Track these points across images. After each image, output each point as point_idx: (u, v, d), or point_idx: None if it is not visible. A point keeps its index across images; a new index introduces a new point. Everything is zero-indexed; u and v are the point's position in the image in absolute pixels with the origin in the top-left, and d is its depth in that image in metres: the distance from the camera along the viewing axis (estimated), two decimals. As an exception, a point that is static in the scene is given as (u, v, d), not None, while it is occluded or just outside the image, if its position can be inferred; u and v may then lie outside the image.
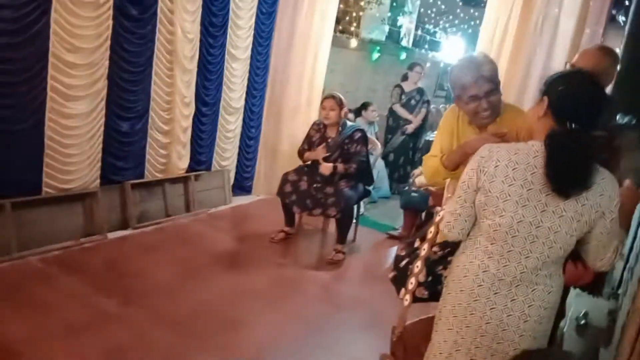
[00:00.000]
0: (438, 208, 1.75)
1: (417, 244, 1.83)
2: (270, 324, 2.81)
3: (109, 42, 3.36)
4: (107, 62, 3.40)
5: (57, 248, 3.28)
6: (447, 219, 1.59)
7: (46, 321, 2.49)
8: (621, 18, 6.73)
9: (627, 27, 5.77)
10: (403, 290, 1.78)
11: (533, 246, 1.46)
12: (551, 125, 1.45)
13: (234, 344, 2.57)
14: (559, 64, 3.66)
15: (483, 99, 1.93)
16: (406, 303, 1.75)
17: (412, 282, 1.74)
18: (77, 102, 3.29)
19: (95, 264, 3.20)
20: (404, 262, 1.89)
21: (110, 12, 3.31)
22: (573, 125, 1.42)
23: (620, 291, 3.07)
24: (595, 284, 2.46)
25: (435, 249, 1.80)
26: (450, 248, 1.71)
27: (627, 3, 5.73)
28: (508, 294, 1.50)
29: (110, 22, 3.33)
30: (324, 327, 2.89)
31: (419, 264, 1.74)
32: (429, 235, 1.73)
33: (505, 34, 3.86)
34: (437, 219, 1.69)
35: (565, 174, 1.40)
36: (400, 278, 1.89)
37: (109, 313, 2.65)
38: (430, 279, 1.87)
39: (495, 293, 1.51)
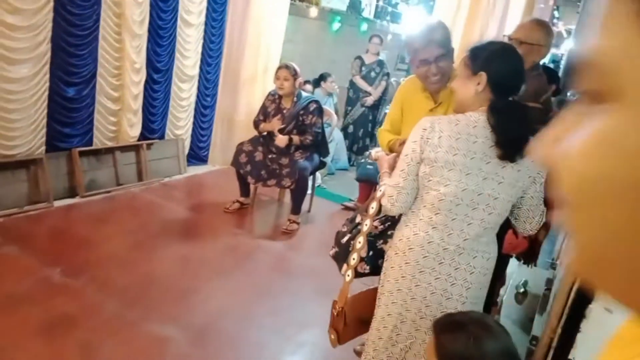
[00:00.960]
0: (380, 183, 1.73)
1: (358, 219, 1.85)
2: (222, 292, 2.84)
3: (52, 3, 3.21)
4: (50, 25, 3.25)
5: (0, 215, 3.17)
6: (390, 193, 1.59)
7: (-14, 291, 2.43)
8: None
9: (580, 7, 5.93)
10: (345, 265, 1.79)
11: (475, 213, 1.53)
12: (488, 97, 1.52)
13: (184, 312, 2.58)
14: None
15: (433, 63, 1.95)
16: (348, 278, 1.76)
17: (354, 258, 1.75)
18: (19, 66, 3.15)
19: (40, 233, 3.13)
20: (345, 238, 1.90)
21: (52, -30, 3.15)
22: (511, 98, 1.53)
23: (558, 262, 3.25)
24: (530, 255, 2.60)
25: (375, 223, 1.84)
26: (390, 222, 1.75)
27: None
28: (452, 263, 1.56)
29: (53, -18, 3.17)
30: (275, 294, 2.94)
31: (361, 240, 1.73)
32: (371, 211, 1.72)
33: (459, 8, 3.90)
34: (378, 194, 1.68)
35: (514, 140, 1.48)
36: (341, 254, 1.91)
37: (54, 282, 2.61)
38: (371, 253, 1.94)
39: (440, 263, 1.56)
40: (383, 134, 2.25)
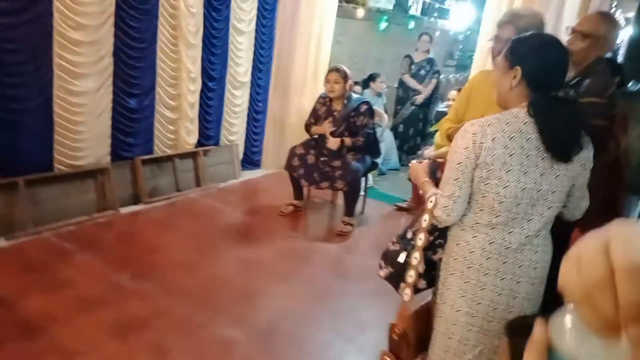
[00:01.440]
0: (427, 194, 1.63)
1: (409, 234, 1.75)
2: (282, 295, 2.88)
3: (112, 18, 3.36)
4: (112, 39, 3.40)
5: (71, 223, 3.36)
6: (445, 204, 1.52)
7: (63, 295, 2.57)
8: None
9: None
10: (402, 284, 1.69)
11: (534, 209, 1.49)
12: (526, 93, 1.49)
13: (248, 314, 2.64)
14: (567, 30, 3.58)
15: (502, 43, 1.92)
16: (407, 297, 1.66)
17: (411, 275, 1.65)
18: (84, 80, 3.31)
19: (109, 239, 3.28)
20: (402, 256, 1.75)
21: (113, -13, 3.30)
22: (553, 92, 1.49)
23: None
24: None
25: None
26: (438, 231, 1.67)
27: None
28: (515, 261, 1.52)
29: (114, -2, 3.32)
30: (333, 296, 2.95)
31: (417, 255, 1.65)
32: (424, 224, 1.62)
33: (512, 1, 3.77)
34: (428, 205, 1.59)
35: (563, 140, 1.45)
36: (396, 274, 1.78)
37: (124, 286, 2.73)
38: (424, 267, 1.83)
39: (504, 262, 1.51)
40: (445, 122, 2.31)
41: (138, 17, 3.54)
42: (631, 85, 5.17)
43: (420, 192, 1.72)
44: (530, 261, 1.53)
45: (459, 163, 1.49)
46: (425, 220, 1.61)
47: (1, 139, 3.02)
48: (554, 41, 1.54)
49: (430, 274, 1.71)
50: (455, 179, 1.50)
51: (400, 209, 4.51)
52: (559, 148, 1.44)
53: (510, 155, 1.44)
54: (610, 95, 2.19)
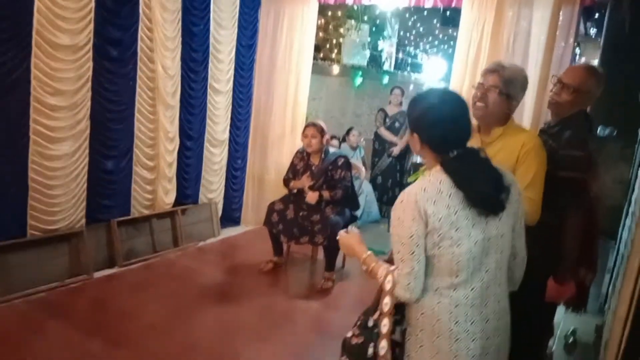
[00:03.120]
0: (381, 276, 1.53)
1: (370, 323, 1.64)
2: (262, 356, 2.79)
3: (90, 83, 3.41)
4: (89, 103, 3.44)
5: (43, 290, 3.26)
6: (406, 282, 1.46)
7: (31, 367, 2.46)
8: (592, 30, 6.94)
9: (601, 42, 5.93)
10: None
11: (488, 258, 1.48)
12: (433, 155, 1.51)
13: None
14: (533, 78, 3.72)
15: (484, 90, 2.01)
16: None
17: None
18: (61, 144, 3.32)
19: (81, 305, 3.18)
20: (370, 350, 1.60)
21: (90, 54, 3.37)
22: (455, 151, 1.47)
23: (606, 307, 3.09)
24: (578, 301, 2.47)
25: (375, 316, 1.62)
26: (396, 308, 1.58)
27: (596, 15, 5.92)
28: (481, 317, 1.49)
29: (91, 63, 3.38)
30: (314, 355, 2.88)
31: (384, 344, 1.53)
32: (386, 308, 1.52)
33: (479, 51, 3.94)
34: (387, 286, 1.50)
35: (484, 195, 1.45)
36: None
37: (95, 355, 2.62)
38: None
39: (472, 322, 1.48)
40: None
41: (115, 81, 3.60)
42: (600, 131, 5.36)
43: (364, 268, 1.61)
44: (494, 312, 1.51)
45: (411, 236, 1.44)
46: (386, 304, 1.52)
47: (-28, 205, 2.98)
48: (445, 99, 1.53)
49: (396, 352, 1.58)
50: (411, 253, 1.44)
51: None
52: (482, 203, 1.44)
53: (455, 214, 1.43)
54: (588, 149, 2.26)
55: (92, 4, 3.31)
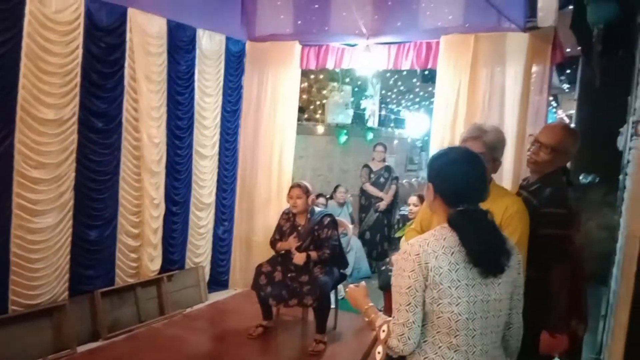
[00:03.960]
0: (378, 325, 1.55)
1: None
2: None
3: (74, 155, 3.45)
4: (73, 174, 3.46)
5: (22, 369, 3.13)
6: (400, 332, 1.46)
7: None
8: (565, 86, 7.22)
9: (576, 95, 6.16)
10: None
11: (488, 322, 1.49)
12: (444, 207, 1.55)
13: None
14: (510, 133, 3.82)
15: None
16: None
17: None
18: (44, 216, 3.31)
19: (63, 384, 3.05)
20: None
21: (75, 126, 3.42)
22: (465, 206, 1.51)
23: (601, 357, 3.02)
24: (572, 353, 2.44)
25: None
26: None
27: (568, 71, 6.18)
28: None
29: (76, 136, 3.43)
30: None
31: None
32: (378, 357, 1.54)
33: (456, 110, 4.06)
34: (381, 335, 1.51)
35: (488, 253, 1.47)
36: None
37: None
38: None
39: None
40: (410, 232, 2.32)
41: (100, 152, 3.64)
42: (582, 178, 5.45)
43: (366, 319, 1.66)
44: None
45: (409, 287, 1.46)
46: (379, 352, 1.53)
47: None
48: (466, 158, 1.58)
49: None
50: (408, 304, 1.46)
51: (373, 320, 4.39)
52: (483, 262, 1.46)
53: (456, 271, 1.45)
54: (569, 205, 2.31)
55: (78, 79, 3.40)
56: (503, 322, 1.54)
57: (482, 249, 1.46)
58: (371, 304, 1.66)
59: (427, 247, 1.46)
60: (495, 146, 2.15)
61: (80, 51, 3.38)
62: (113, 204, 3.80)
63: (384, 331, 1.51)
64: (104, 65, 3.59)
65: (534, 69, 3.85)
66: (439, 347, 1.48)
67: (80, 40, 3.38)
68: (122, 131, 3.78)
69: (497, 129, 2.28)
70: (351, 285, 1.79)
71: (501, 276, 1.49)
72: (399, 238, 4.67)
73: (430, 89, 8.92)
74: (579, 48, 4.51)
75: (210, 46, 4.50)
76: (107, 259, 3.80)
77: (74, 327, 3.50)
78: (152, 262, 4.10)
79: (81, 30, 3.37)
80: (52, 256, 3.37)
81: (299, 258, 3.82)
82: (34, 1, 3.10)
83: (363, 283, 1.80)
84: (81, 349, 3.50)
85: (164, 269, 4.26)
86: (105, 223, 3.75)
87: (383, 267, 4.62)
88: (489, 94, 4.03)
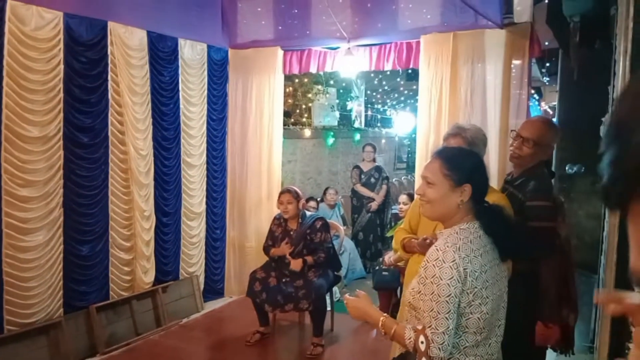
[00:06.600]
0: (409, 337, 1.51)
1: None
2: None
3: (61, 171, 3.44)
4: (61, 191, 3.45)
5: (20, 389, 3.12)
6: (441, 341, 1.44)
7: None
8: (545, 79, 7.34)
9: (557, 87, 6.25)
10: None
11: (499, 314, 1.57)
12: (470, 207, 1.57)
13: None
14: (493, 128, 3.87)
15: None
16: None
17: None
18: (34, 234, 3.29)
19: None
20: None
21: (61, 142, 3.42)
22: (488, 203, 1.61)
23: (594, 345, 3.07)
24: (564, 343, 2.48)
25: None
26: None
27: (547, 64, 6.28)
28: None
29: (62, 152, 3.43)
30: None
31: None
32: None
33: (440, 107, 4.10)
34: (420, 346, 1.47)
35: (507, 242, 1.57)
36: None
37: None
38: None
39: None
40: (399, 232, 2.37)
41: (87, 167, 3.63)
42: (568, 169, 5.53)
43: (382, 331, 1.57)
44: None
45: (448, 295, 1.44)
46: None
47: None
48: (481, 156, 1.74)
49: None
50: (447, 312, 1.44)
51: (369, 320, 4.41)
52: (506, 249, 1.56)
53: (485, 272, 1.49)
54: (553, 197, 2.36)
55: (61, 95, 3.40)
56: (505, 313, 1.62)
57: (513, 244, 1.57)
58: (386, 315, 1.61)
59: (461, 252, 1.47)
60: (474, 141, 2.20)
61: (61, 67, 3.38)
62: (103, 218, 3.79)
63: (422, 342, 1.47)
64: (86, 80, 3.58)
65: (513, 63, 3.90)
66: (465, 347, 1.51)
67: (61, 56, 3.37)
68: (108, 145, 3.77)
69: (475, 126, 2.37)
70: (347, 296, 1.72)
71: (502, 269, 1.58)
72: (392, 237, 4.70)
73: (414, 87, 8.99)
74: (557, 41, 4.58)
75: (192, 55, 4.51)
76: (100, 274, 3.78)
77: (71, 344, 3.48)
78: (146, 275, 4.09)
79: (61, 46, 3.37)
80: (45, 274, 3.35)
81: (295, 264, 3.83)
82: (13, 19, 3.10)
83: (363, 292, 1.74)
84: (78, 365, 3.48)
85: (158, 280, 4.25)
86: (97, 238, 3.74)
87: (377, 268, 4.65)
88: (470, 90, 4.07)
